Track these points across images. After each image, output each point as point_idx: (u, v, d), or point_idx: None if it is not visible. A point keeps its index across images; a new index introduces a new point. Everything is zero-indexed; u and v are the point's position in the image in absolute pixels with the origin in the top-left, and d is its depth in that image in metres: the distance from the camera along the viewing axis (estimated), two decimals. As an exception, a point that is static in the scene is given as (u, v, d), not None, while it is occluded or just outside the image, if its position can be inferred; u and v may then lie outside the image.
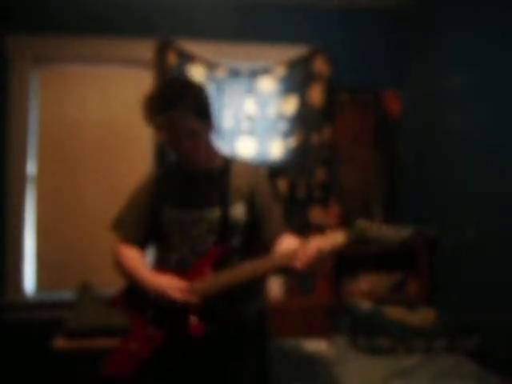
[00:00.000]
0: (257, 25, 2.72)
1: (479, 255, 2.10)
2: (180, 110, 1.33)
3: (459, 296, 2.27)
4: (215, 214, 1.42)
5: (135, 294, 1.45)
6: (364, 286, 2.52)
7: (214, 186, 1.45)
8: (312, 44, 2.67)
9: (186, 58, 2.57)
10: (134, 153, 2.69)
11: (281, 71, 2.68)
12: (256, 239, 1.48)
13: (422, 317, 2.20)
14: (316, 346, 2.10)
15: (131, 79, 2.69)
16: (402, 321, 2.15)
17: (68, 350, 2.01)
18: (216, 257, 1.40)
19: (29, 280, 2.58)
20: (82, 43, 2.58)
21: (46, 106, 2.64)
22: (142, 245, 1.52)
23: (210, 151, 1.48)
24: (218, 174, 1.47)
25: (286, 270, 1.34)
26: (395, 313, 2.20)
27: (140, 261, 1.48)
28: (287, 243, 1.41)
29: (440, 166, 2.46)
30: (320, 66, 2.67)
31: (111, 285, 2.47)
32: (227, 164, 1.50)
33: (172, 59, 2.54)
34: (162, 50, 2.54)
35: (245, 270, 1.37)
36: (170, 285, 1.37)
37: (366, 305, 2.25)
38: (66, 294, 2.52)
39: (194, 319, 1.36)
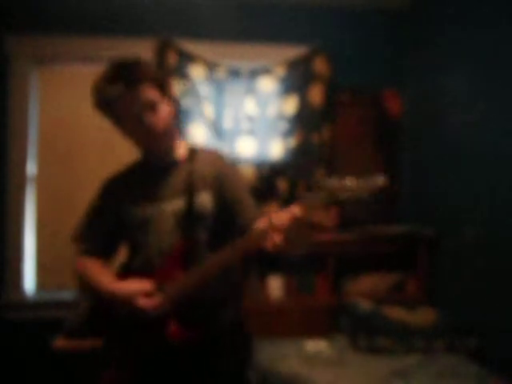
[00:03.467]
0: (257, 25, 2.72)
1: (479, 255, 2.10)
2: (140, 81, 1.27)
3: (459, 296, 2.27)
4: (179, 204, 1.33)
5: (99, 313, 1.37)
6: (364, 286, 2.52)
7: (178, 175, 1.37)
8: (312, 44, 2.67)
9: (186, 57, 2.58)
10: (134, 153, 2.68)
11: (281, 71, 2.68)
12: (227, 232, 1.37)
13: (422, 317, 2.20)
14: (316, 345, 2.10)
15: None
16: (402, 321, 2.15)
17: (68, 350, 2.01)
18: (182, 253, 1.30)
19: (29, 280, 2.58)
20: (82, 43, 2.58)
21: (46, 105, 2.64)
22: (106, 254, 1.44)
23: (174, 138, 1.40)
24: (181, 164, 1.39)
25: (254, 251, 1.19)
26: (395, 313, 2.20)
27: (103, 270, 1.38)
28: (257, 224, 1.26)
29: (440, 166, 2.46)
30: (320, 65, 2.67)
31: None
32: (191, 153, 1.42)
33: (172, 59, 2.55)
34: (161, 50, 2.54)
35: (212, 261, 1.24)
36: (135, 291, 1.26)
37: (365, 305, 2.25)
38: (66, 294, 2.52)
39: (172, 324, 1.26)
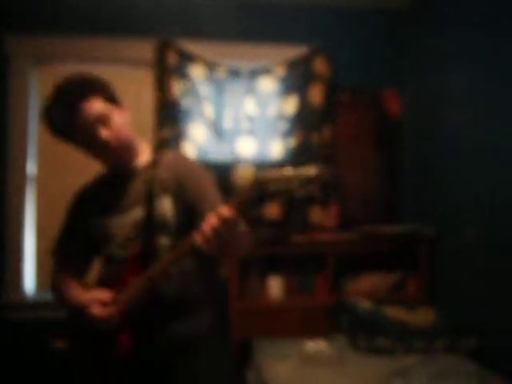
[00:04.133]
0: (257, 25, 2.72)
1: (479, 255, 2.10)
2: (88, 97, 1.25)
3: (459, 296, 2.27)
4: (138, 213, 1.31)
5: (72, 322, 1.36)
6: (364, 286, 2.52)
7: (138, 183, 1.34)
8: (312, 44, 2.67)
9: (186, 57, 2.57)
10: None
11: (281, 71, 2.68)
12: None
13: (422, 317, 2.20)
14: (316, 345, 2.10)
15: (131, 79, 2.69)
16: (402, 321, 2.15)
17: (68, 350, 2.01)
18: (137, 262, 1.28)
19: (29, 280, 2.58)
20: (82, 43, 2.58)
21: (46, 105, 2.64)
22: (79, 269, 1.44)
23: (132, 147, 1.37)
24: (143, 170, 1.36)
25: (194, 251, 1.14)
26: (395, 313, 2.20)
27: (71, 283, 1.37)
28: None
29: (440, 166, 2.46)
30: (320, 65, 2.67)
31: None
32: (155, 158, 1.39)
33: (172, 59, 2.54)
34: (161, 50, 2.54)
35: (156, 266, 1.22)
36: (90, 299, 1.26)
37: (365, 305, 2.25)
38: (66, 294, 2.52)
39: (122, 335, 1.24)
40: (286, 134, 2.66)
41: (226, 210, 1.06)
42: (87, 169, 2.68)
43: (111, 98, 1.32)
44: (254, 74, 2.66)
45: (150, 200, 1.31)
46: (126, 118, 1.35)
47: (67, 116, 1.26)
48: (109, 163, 1.39)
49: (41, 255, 2.62)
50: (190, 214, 1.31)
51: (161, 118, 2.48)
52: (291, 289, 2.49)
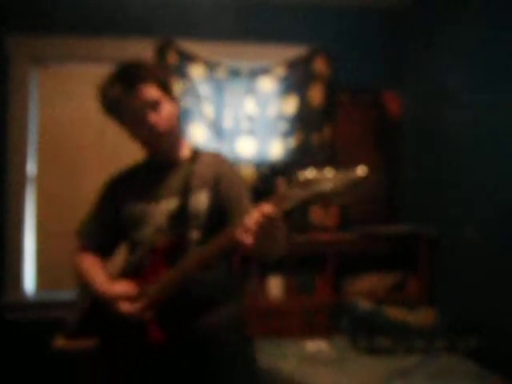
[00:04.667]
0: (257, 25, 2.72)
1: (479, 255, 2.10)
2: (140, 81, 1.28)
3: (459, 296, 2.27)
4: (173, 204, 1.33)
5: (96, 311, 1.36)
6: (364, 286, 2.52)
7: (178, 175, 1.37)
8: (312, 44, 2.67)
9: (186, 57, 2.58)
10: (134, 153, 2.68)
11: (281, 71, 2.68)
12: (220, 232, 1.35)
13: (422, 317, 2.20)
14: (316, 345, 2.10)
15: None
16: (402, 321, 2.15)
17: (68, 350, 2.01)
18: (165, 253, 1.28)
19: (29, 280, 2.58)
20: (82, 43, 2.58)
21: (46, 106, 2.64)
22: (104, 252, 1.45)
23: (177, 137, 1.40)
24: (183, 164, 1.39)
25: (234, 247, 1.14)
26: (395, 313, 2.20)
27: (98, 268, 1.39)
28: None
29: (440, 166, 2.46)
30: (320, 65, 2.67)
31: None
32: (194, 154, 1.42)
33: (172, 59, 2.55)
34: (161, 50, 2.54)
35: (190, 259, 1.22)
36: (118, 295, 1.27)
37: (365, 305, 2.25)
38: (66, 294, 2.52)
39: (153, 327, 1.24)
40: (286, 134, 2.66)
41: (269, 207, 1.04)
42: (87, 169, 2.71)
43: (165, 88, 1.35)
44: (254, 74, 2.66)
45: (186, 192, 1.33)
46: (175, 110, 1.37)
47: (122, 95, 1.29)
48: (150, 149, 1.40)
49: (41, 255, 2.62)
50: (220, 213, 1.33)
51: (161, 118, 2.48)
52: (291, 289, 2.49)
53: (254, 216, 1.05)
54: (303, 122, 2.66)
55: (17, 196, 2.53)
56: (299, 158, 2.65)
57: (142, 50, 2.56)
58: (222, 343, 1.33)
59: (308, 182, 1.01)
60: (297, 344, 2.14)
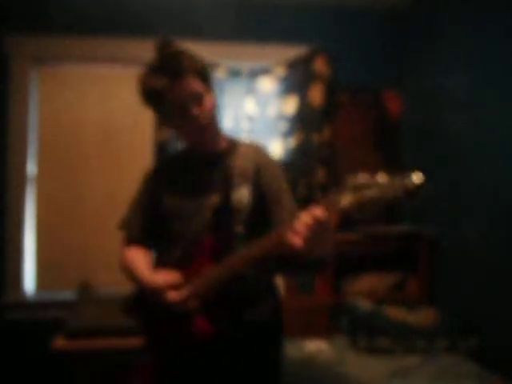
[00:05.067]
0: (257, 25, 2.72)
1: (479, 255, 2.10)
2: (186, 73, 1.27)
3: (459, 296, 2.27)
4: (216, 199, 1.33)
5: (142, 299, 1.37)
6: (364, 286, 2.52)
7: (218, 169, 1.37)
8: (312, 44, 2.67)
9: (186, 57, 2.57)
10: (134, 152, 2.69)
11: (281, 71, 2.68)
12: (262, 226, 1.35)
13: (422, 317, 2.20)
14: (316, 345, 2.10)
15: (131, 79, 2.67)
16: (402, 321, 2.15)
17: (68, 350, 2.01)
18: (211, 247, 1.30)
19: (29, 280, 2.58)
20: (82, 43, 2.58)
21: (46, 106, 2.64)
22: (148, 242, 1.46)
23: (217, 130, 1.39)
24: (222, 157, 1.38)
25: (283, 250, 1.13)
26: (395, 313, 2.20)
27: (141, 260, 1.40)
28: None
29: (440, 166, 2.46)
30: (320, 65, 2.67)
31: (111, 285, 2.49)
32: (232, 145, 1.41)
33: (172, 59, 2.54)
34: (161, 50, 2.54)
35: (237, 258, 1.22)
36: (164, 284, 1.26)
37: (365, 305, 2.25)
38: (66, 294, 2.52)
39: (200, 319, 1.26)
40: (286, 134, 2.67)
41: (320, 211, 1.03)
42: (87, 169, 2.71)
43: (206, 79, 1.34)
44: (254, 74, 2.66)
45: (228, 188, 1.33)
46: (215, 101, 1.36)
47: (166, 88, 1.27)
48: (191, 141, 1.39)
49: (41, 255, 2.62)
50: (262, 205, 1.34)
51: (161, 118, 2.48)
52: (291, 289, 2.49)
53: (304, 219, 1.03)
54: (303, 122, 2.66)
55: (17, 196, 2.53)
56: (299, 157, 2.65)
57: (142, 49, 2.56)
58: (266, 336, 1.38)
59: (359, 187, 0.98)
60: (297, 344, 2.14)
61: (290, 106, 2.67)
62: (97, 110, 2.69)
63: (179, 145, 2.50)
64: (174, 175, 1.42)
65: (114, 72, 2.70)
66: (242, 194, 1.33)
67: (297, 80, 2.67)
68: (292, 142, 2.66)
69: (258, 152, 1.43)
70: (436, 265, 2.48)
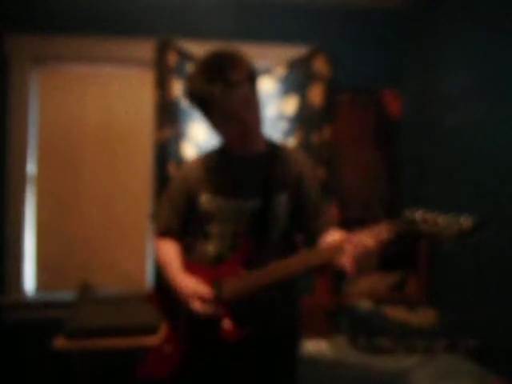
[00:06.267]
0: (256, 25, 2.72)
1: (479, 255, 2.10)
2: (242, 82, 1.25)
3: (459, 296, 2.27)
4: (256, 204, 1.32)
5: (168, 291, 1.38)
6: (364, 286, 2.52)
7: (258, 172, 1.36)
8: (312, 44, 2.67)
9: (186, 57, 2.57)
10: (134, 153, 2.69)
11: (281, 71, 2.68)
12: (297, 232, 1.38)
13: (422, 317, 2.20)
14: (316, 345, 2.10)
15: (131, 79, 2.69)
16: (402, 321, 2.15)
17: (68, 350, 2.01)
18: (247, 252, 1.30)
19: (29, 280, 2.58)
20: (82, 43, 2.58)
21: (46, 106, 2.64)
22: (180, 235, 1.46)
23: (259, 132, 1.37)
24: (262, 160, 1.37)
25: (326, 267, 1.20)
26: (395, 313, 2.20)
27: (173, 256, 1.40)
28: (331, 237, 1.27)
29: (440, 166, 2.46)
30: (320, 65, 2.66)
31: (111, 285, 2.49)
32: (273, 149, 1.40)
33: (172, 59, 2.54)
34: (161, 50, 2.53)
35: (278, 268, 1.24)
36: (193, 293, 1.28)
37: (365, 305, 2.25)
38: (66, 294, 2.52)
39: (227, 323, 1.26)
40: (286, 134, 2.66)
41: (369, 241, 1.11)
42: (87, 168, 2.70)
43: (254, 82, 1.32)
44: (254, 74, 2.66)
45: (268, 194, 1.33)
46: (261, 105, 1.35)
47: (219, 96, 1.24)
48: (235, 143, 1.37)
49: (41, 255, 2.62)
50: (297, 213, 1.37)
51: (161, 118, 2.48)
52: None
53: (357, 243, 1.10)
54: (303, 121, 2.66)
55: (17, 196, 2.53)
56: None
57: (142, 49, 2.56)
58: (290, 338, 1.42)
59: (413, 221, 1.07)
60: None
61: (290, 105, 2.67)
62: (97, 110, 2.69)
63: (179, 144, 2.50)
64: (212, 174, 1.40)
65: (114, 72, 2.70)
66: (281, 202, 1.34)
67: (297, 80, 2.67)
68: (292, 141, 2.66)
69: (300, 159, 1.42)
70: (436, 265, 2.48)
